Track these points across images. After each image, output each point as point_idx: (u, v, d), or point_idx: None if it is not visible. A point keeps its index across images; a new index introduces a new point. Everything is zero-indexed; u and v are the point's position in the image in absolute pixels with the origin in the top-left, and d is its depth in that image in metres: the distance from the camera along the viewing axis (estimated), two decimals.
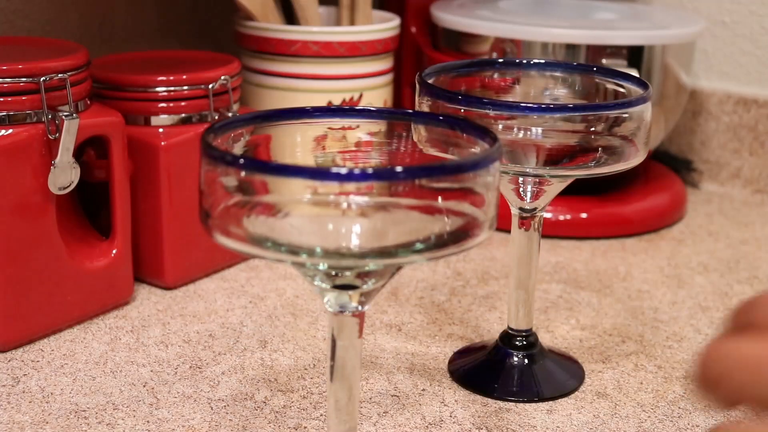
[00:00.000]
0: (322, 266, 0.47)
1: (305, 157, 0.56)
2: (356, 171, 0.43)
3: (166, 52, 0.90)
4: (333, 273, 0.48)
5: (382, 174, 0.45)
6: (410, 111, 0.57)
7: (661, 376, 0.70)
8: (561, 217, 0.97)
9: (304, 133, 0.55)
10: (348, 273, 0.48)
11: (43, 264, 0.72)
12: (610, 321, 0.79)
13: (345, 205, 0.46)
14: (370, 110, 0.55)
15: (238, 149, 0.52)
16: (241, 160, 0.46)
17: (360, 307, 0.51)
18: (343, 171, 0.43)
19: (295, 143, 0.55)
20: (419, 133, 0.56)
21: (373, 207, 0.46)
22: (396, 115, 0.56)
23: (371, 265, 0.47)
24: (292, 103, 0.92)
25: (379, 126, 0.56)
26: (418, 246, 0.46)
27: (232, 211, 0.46)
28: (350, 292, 0.50)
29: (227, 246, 0.47)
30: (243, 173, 0.45)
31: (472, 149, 0.51)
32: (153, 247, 0.81)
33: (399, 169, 0.45)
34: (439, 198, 0.46)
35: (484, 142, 0.50)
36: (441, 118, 0.55)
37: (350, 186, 0.45)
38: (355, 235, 0.47)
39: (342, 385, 0.52)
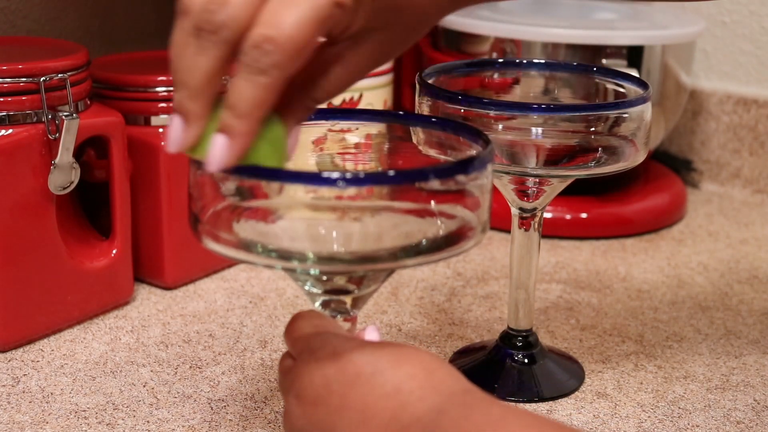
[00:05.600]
0: (314, 271, 0.47)
1: (304, 158, 0.55)
2: (347, 175, 0.43)
3: (166, 52, 0.89)
4: (324, 278, 0.48)
5: (372, 178, 0.45)
6: (401, 113, 0.57)
7: (661, 376, 0.70)
8: (561, 217, 0.97)
9: (303, 134, 0.55)
10: (339, 278, 0.48)
11: (43, 264, 0.72)
12: (610, 321, 0.79)
13: (337, 209, 0.45)
14: (363, 112, 0.55)
15: None
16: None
17: (352, 312, 0.51)
18: (335, 175, 0.43)
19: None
20: (418, 135, 0.56)
21: (366, 211, 0.46)
22: (388, 117, 0.56)
23: (363, 269, 0.46)
24: None
25: (376, 128, 0.56)
26: (410, 250, 0.46)
27: (222, 216, 0.46)
28: (342, 297, 0.50)
29: (217, 251, 0.46)
30: (231, 177, 0.45)
31: (469, 152, 0.51)
32: (153, 247, 0.81)
33: (391, 172, 0.44)
34: (432, 201, 0.45)
35: (477, 145, 0.50)
36: (433, 120, 0.55)
37: (342, 190, 0.44)
38: (347, 239, 0.47)
39: None
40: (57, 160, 0.70)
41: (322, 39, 0.45)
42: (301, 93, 0.46)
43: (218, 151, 0.42)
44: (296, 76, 0.44)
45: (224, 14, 0.41)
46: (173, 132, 0.44)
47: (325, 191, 0.44)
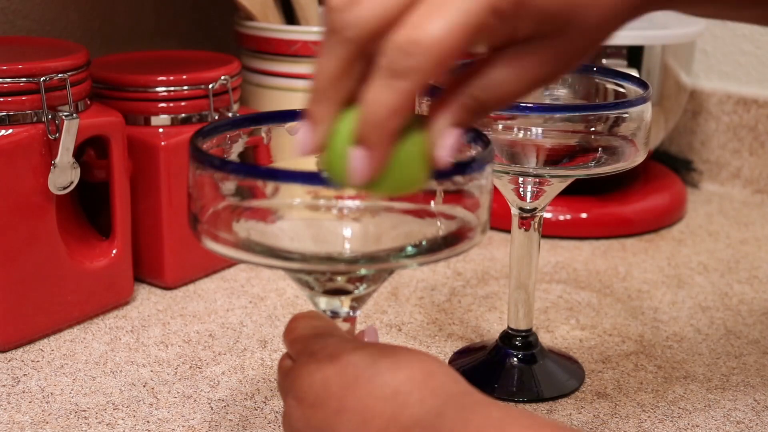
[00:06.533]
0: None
1: (305, 159, 0.55)
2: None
3: (166, 52, 0.90)
4: (324, 278, 0.48)
5: None
6: None
7: (661, 376, 0.70)
8: (561, 217, 0.97)
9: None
10: (339, 278, 0.48)
11: (43, 264, 0.72)
12: (610, 321, 0.79)
13: (336, 209, 0.45)
14: None
15: (236, 150, 0.51)
16: (228, 165, 0.45)
17: (351, 312, 0.50)
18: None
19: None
20: None
21: (365, 211, 0.46)
22: None
23: (363, 270, 0.46)
24: (292, 103, 0.92)
25: None
26: (410, 250, 0.46)
27: (222, 216, 0.46)
28: (342, 297, 0.50)
29: (216, 251, 0.46)
30: (231, 177, 0.45)
31: (468, 152, 0.51)
32: (153, 247, 0.81)
33: None
34: (432, 202, 0.45)
35: (476, 145, 0.50)
36: None
37: (341, 190, 0.44)
38: (347, 239, 0.47)
39: None
40: (57, 160, 0.70)
41: (481, 50, 0.43)
42: (457, 89, 0.43)
43: (358, 164, 0.40)
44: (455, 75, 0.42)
45: (352, 13, 0.39)
46: (300, 135, 0.41)
47: (324, 191, 0.44)
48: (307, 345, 0.47)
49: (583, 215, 0.97)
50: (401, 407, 0.43)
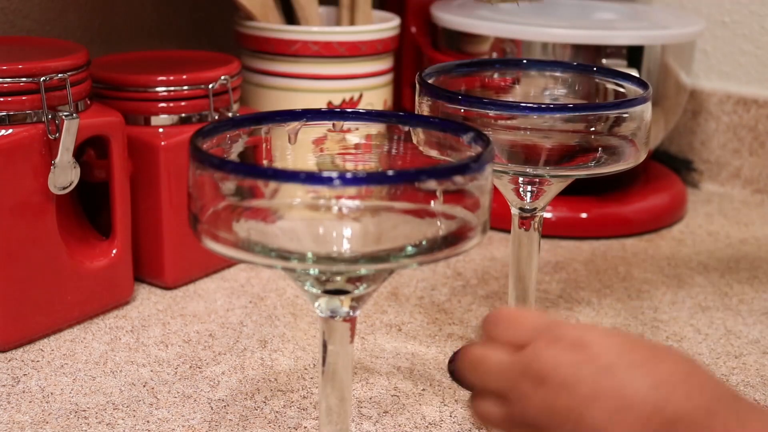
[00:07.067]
0: (313, 271, 0.47)
1: (304, 158, 0.56)
2: (346, 175, 0.43)
3: (166, 52, 0.90)
4: (324, 278, 0.48)
5: (370, 178, 0.45)
6: (402, 113, 0.57)
7: None
8: (561, 217, 0.97)
9: (303, 134, 0.55)
10: (339, 278, 0.48)
11: (43, 264, 0.72)
12: (610, 321, 0.79)
13: (336, 209, 0.45)
14: (363, 112, 0.55)
15: (236, 150, 0.51)
16: (228, 164, 0.45)
17: (351, 312, 0.50)
18: (333, 175, 0.43)
19: (295, 144, 0.55)
20: (418, 135, 0.56)
21: (365, 211, 0.46)
22: (388, 118, 0.56)
23: (363, 269, 0.46)
24: (292, 103, 0.92)
25: (376, 128, 0.56)
26: (410, 250, 0.46)
27: (222, 215, 0.46)
28: (341, 297, 0.49)
29: (216, 251, 0.46)
30: (231, 177, 0.45)
31: (469, 152, 0.51)
32: (153, 247, 0.81)
33: (389, 173, 0.44)
34: (432, 202, 0.46)
35: (476, 145, 0.50)
36: (433, 120, 0.55)
37: (341, 190, 0.44)
38: (347, 239, 0.47)
39: (333, 390, 0.52)
40: (57, 160, 0.70)
41: None
42: None
43: None
44: None
45: None
46: None
47: (324, 191, 0.44)
48: (549, 330, 0.45)
49: (583, 215, 0.97)
50: (665, 399, 0.42)
